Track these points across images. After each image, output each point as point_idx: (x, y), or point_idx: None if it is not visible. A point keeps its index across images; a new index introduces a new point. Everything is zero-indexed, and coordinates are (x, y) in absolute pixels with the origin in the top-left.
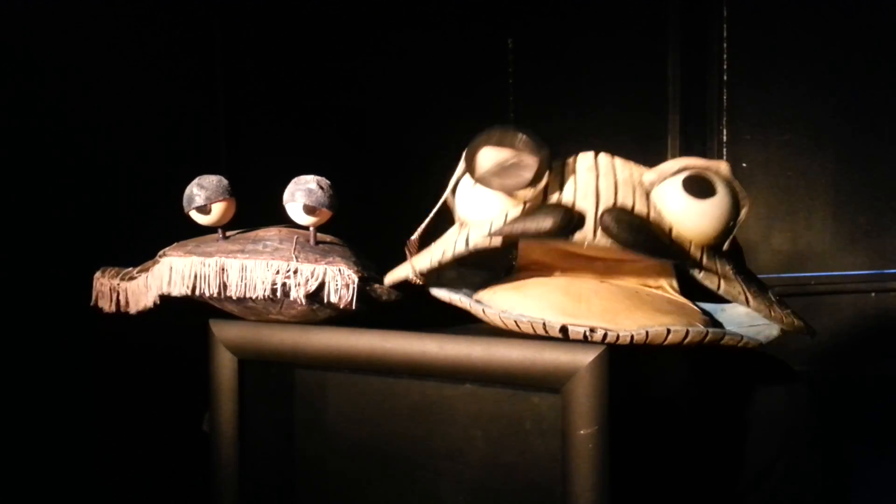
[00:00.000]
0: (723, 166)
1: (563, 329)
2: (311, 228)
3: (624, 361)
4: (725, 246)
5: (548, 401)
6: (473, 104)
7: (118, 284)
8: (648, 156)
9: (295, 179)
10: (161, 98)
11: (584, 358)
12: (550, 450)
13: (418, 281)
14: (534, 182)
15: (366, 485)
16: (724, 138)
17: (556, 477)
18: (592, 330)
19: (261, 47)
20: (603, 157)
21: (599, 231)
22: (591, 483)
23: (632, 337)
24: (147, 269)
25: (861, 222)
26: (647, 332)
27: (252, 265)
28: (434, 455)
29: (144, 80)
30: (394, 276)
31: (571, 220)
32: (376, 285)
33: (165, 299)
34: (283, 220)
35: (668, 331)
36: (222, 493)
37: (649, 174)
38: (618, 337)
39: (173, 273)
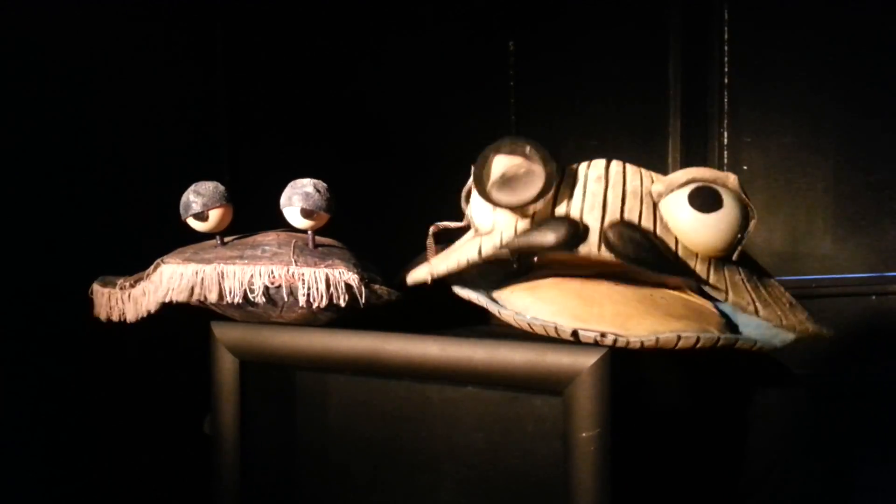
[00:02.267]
0: (731, 178)
1: (574, 333)
2: (310, 232)
3: (626, 364)
4: (734, 256)
5: (550, 403)
6: (475, 106)
7: (116, 294)
8: (649, 158)
9: (291, 183)
10: (162, 103)
11: (586, 361)
12: (552, 452)
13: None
14: (539, 197)
15: (367, 487)
16: (725, 141)
17: (557, 479)
18: (603, 335)
19: (262, 52)
20: (614, 165)
21: (603, 245)
22: (592, 486)
23: (642, 343)
24: (144, 278)
25: (862, 225)
26: (657, 338)
27: (251, 271)
28: (436, 457)
29: (145, 86)
30: (414, 277)
31: (577, 233)
32: (376, 286)
33: (166, 304)
34: (286, 224)
35: (679, 337)
36: (224, 495)
37: (657, 185)
38: (628, 342)
39: (171, 280)
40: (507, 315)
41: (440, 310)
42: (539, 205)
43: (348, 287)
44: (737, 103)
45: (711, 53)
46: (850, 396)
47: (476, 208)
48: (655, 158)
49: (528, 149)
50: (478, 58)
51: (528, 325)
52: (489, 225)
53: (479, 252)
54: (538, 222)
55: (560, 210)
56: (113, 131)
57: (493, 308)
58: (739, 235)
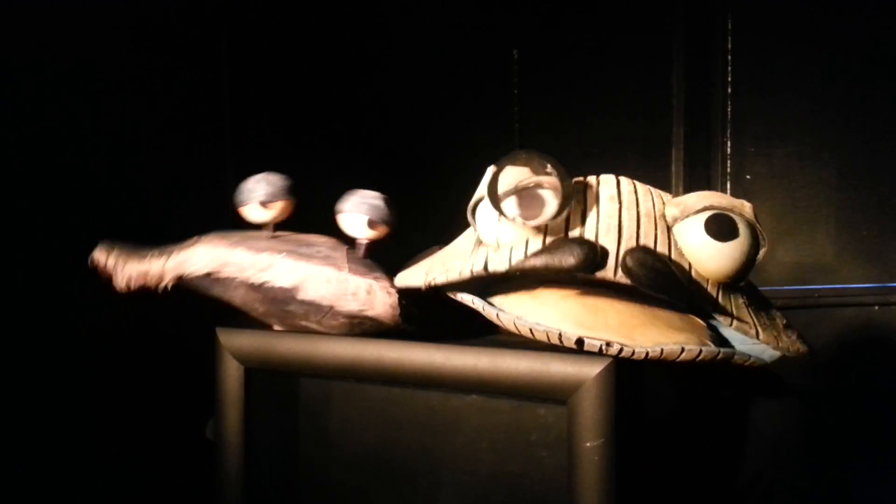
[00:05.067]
0: (747, 207)
1: (580, 341)
2: (365, 242)
3: (630, 374)
4: (742, 282)
5: (554, 412)
6: (479, 114)
7: (127, 266)
8: (653, 167)
9: (358, 192)
10: (167, 104)
11: (591, 370)
12: (556, 462)
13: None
14: (556, 216)
15: (370, 495)
16: (728, 150)
17: (561, 489)
18: (609, 344)
19: (267, 57)
20: (625, 184)
21: (620, 271)
22: (597, 496)
23: (647, 353)
24: (173, 253)
25: (865, 235)
26: (661, 350)
27: (303, 268)
28: (439, 466)
29: (150, 86)
30: (405, 281)
31: (595, 257)
32: (411, 310)
33: (186, 298)
34: (296, 228)
35: (683, 349)
36: (226, 501)
37: (671, 209)
38: (633, 352)
39: (209, 260)
40: (507, 319)
41: (442, 316)
42: (555, 222)
43: (392, 302)
44: (740, 113)
45: (715, 63)
46: (851, 407)
47: (483, 222)
48: (658, 167)
49: (545, 164)
50: (482, 66)
51: (530, 330)
52: (495, 240)
53: (486, 267)
54: (552, 243)
55: (574, 230)
56: (117, 132)
57: (490, 312)
58: (750, 263)
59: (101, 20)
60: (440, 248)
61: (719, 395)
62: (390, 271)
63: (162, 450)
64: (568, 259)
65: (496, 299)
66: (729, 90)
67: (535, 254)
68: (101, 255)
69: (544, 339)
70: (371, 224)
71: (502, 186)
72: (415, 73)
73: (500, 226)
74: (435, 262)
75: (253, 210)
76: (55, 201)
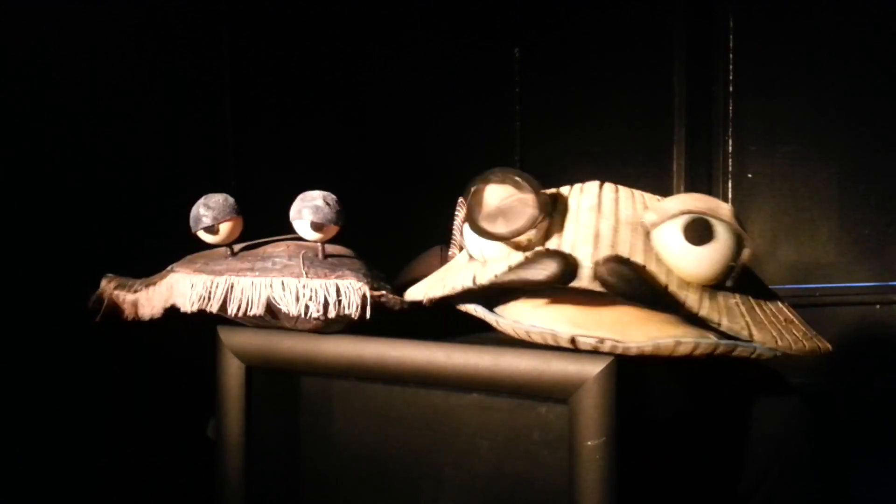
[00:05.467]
0: (724, 209)
1: (573, 340)
2: (320, 243)
3: (632, 373)
4: (729, 283)
5: (555, 411)
6: (480, 113)
7: (123, 296)
8: (654, 167)
9: (301, 196)
10: (169, 109)
11: (593, 369)
12: (557, 461)
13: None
14: (530, 227)
15: (371, 493)
16: (730, 149)
17: (562, 488)
18: (601, 341)
19: (269, 59)
20: (607, 191)
21: (596, 280)
22: (598, 495)
23: (640, 349)
24: (154, 283)
25: (866, 234)
26: (655, 344)
27: (262, 283)
28: (440, 465)
29: (152, 91)
30: (409, 297)
31: (568, 268)
32: (387, 295)
33: (173, 309)
34: (293, 230)
35: (677, 343)
36: (227, 500)
37: (650, 214)
38: (626, 348)
39: (181, 290)
40: (505, 324)
41: (445, 317)
42: (531, 235)
43: (359, 298)
44: (741, 112)
45: (716, 62)
46: (854, 406)
47: (469, 238)
48: (660, 165)
49: (517, 178)
50: (483, 65)
51: (527, 332)
52: (481, 255)
53: (474, 280)
54: (530, 256)
55: (552, 242)
56: (118, 131)
57: (490, 318)
58: (732, 264)
59: (102, 20)
60: (442, 249)
61: (721, 394)
62: (369, 261)
63: (163, 449)
64: (539, 273)
65: (499, 308)
66: (730, 89)
67: (514, 268)
68: (101, 289)
69: (540, 340)
70: (315, 226)
71: (485, 205)
72: (416, 72)
73: (483, 242)
74: (435, 278)
75: (203, 236)
76: (55, 201)
